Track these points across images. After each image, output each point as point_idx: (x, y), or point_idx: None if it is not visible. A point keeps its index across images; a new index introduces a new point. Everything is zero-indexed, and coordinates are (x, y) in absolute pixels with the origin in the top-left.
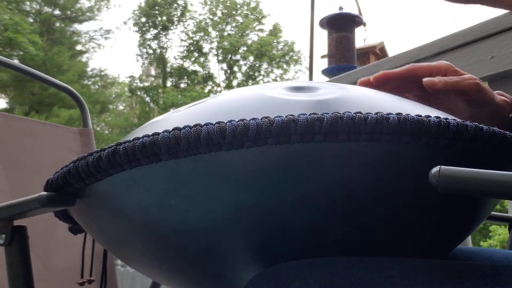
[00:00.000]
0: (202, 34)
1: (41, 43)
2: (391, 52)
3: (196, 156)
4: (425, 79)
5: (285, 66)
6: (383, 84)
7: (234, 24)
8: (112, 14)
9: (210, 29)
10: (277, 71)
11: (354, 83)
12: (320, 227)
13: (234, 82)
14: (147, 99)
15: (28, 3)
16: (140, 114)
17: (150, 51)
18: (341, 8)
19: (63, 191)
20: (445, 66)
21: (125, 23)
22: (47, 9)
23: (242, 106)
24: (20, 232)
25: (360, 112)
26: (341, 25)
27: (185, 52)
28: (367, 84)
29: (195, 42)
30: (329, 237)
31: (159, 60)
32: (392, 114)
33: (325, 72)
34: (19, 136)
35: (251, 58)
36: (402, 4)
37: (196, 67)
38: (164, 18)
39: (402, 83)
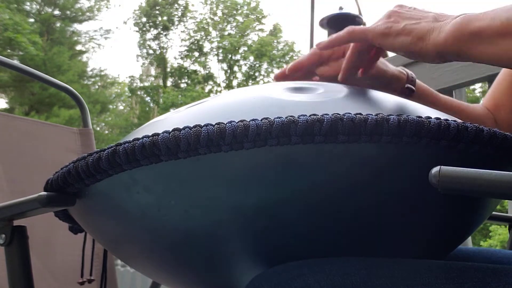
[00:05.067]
0: (202, 33)
1: (41, 43)
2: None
3: (196, 157)
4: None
5: (285, 66)
6: (296, 73)
7: (234, 24)
8: (112, 14)
9: (210, 29)
10: (277, 71)
11: None
12: (320, 228)
13: (234, 82)
14: (147, 99)
15: (28, 3)
16: (140, 114)
17: (151, 51)
18: (341, 8)
19: (63, 191)
20: (344, 48)
21: (125, 23)
22: (47, 9)
23: (242, 107)
24: (20, 232)
25: (360, 113)
26: (341, 25)
27: (186, 51)
28: (282, 77)
29: (195, 42)
30: (329, 238)
31: (159, 60)
32: (392, 115)
33: None
34: (19, 136)
35: (251, 58)
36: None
37: (196, 67)
38: (165, 18)
39: (311, 67)
